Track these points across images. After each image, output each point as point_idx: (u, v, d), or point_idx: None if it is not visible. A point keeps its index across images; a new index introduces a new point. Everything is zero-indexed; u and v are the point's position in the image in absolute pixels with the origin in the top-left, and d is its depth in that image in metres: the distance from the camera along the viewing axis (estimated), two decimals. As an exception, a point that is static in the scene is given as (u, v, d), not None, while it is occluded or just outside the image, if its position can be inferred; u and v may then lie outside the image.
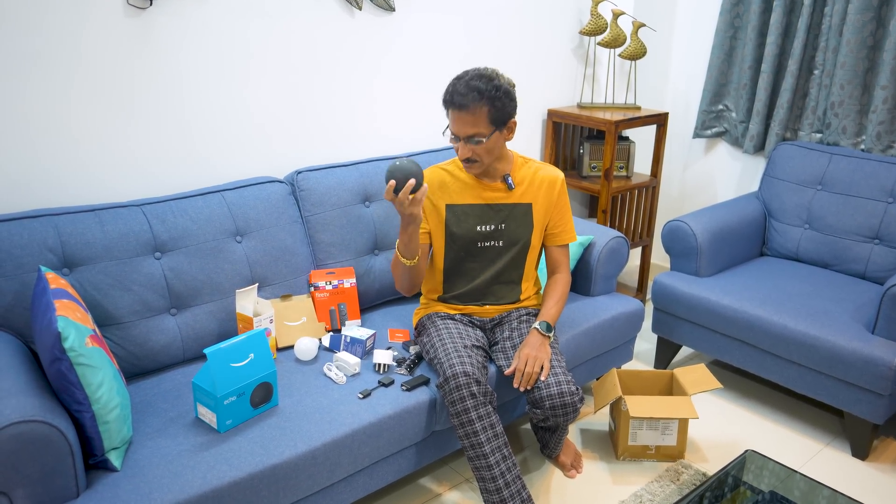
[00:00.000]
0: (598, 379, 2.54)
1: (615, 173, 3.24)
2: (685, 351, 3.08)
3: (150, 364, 1.98)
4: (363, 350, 2.10)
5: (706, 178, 3.46)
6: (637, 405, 2.23)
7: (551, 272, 2.21)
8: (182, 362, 2.06)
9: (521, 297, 2.20)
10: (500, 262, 2.13)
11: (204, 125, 2.24)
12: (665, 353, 2.88)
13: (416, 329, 2.24)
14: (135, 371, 1.96)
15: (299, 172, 2.35)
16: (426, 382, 2.00)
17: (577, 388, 1.95)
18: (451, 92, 1.93)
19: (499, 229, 2.11)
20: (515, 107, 1.98)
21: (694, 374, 2.37)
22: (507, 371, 1.96)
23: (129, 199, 2.10)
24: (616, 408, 2.35)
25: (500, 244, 2.12)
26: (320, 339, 2.19)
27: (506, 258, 2.13)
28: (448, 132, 1.98)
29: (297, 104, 2.44)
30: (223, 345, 1.70)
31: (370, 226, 2.41)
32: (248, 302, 2.03)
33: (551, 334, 2.04)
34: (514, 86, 1.99)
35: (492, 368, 2.10)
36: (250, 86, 2.31)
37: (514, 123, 2.00)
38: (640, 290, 3.40)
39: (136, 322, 1.94)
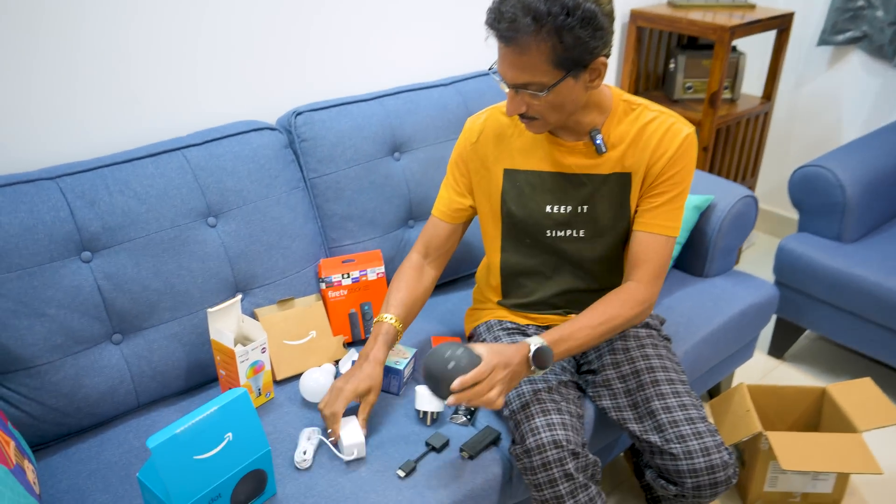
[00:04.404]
0: (713, 396, 1.89)
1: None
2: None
3: (85, 419, 1.33)
4: (400, 383, 1.44)
5: (827, 99, 2.66)
6: (788, 450, 1.57)
7: (626, 275, 1.39)
8: (136, 409, 1.41)
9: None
10: (583, 260, 1.43)
11: (157, 51, 1.49)
12: (784, 339, 2.21)
13: (468, 339, 1.58)
14: (62, 432, 1.32)
15: (298, 114, 1.61)
16: (496, 441, 1.35)
17: (731, 455, 1.29)
18: (494, 11, 1.14)
19: (579, 213, 1.38)
20: (604, 38, 1.15)
21: (858, 394, 1.70)
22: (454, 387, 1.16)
23: (38, 169, 1.38)
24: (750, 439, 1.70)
25: (582, 234, 1.39)
26: (337, 366, 1.52)
27: (591, 256, 1.41)
28: (496, 72, 1.22)
29: (293, 20, 1.67)
30: (178, 429, 1.04)
31: (402, 187, 1.70)
32: (225, 325, 1.35)
33: (536, 371, 1.23)
34: (608, 2, 1.16)
35: (589, 410, 1.44)
36: (220, -16, 1.53)
37: (603, 64, 1.19)
38: (737, 244, 2.69)
39: (58, 362, 1.28)
